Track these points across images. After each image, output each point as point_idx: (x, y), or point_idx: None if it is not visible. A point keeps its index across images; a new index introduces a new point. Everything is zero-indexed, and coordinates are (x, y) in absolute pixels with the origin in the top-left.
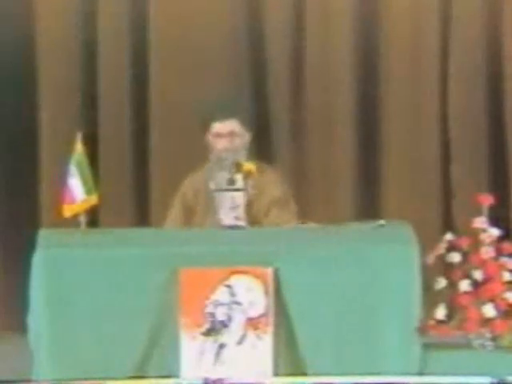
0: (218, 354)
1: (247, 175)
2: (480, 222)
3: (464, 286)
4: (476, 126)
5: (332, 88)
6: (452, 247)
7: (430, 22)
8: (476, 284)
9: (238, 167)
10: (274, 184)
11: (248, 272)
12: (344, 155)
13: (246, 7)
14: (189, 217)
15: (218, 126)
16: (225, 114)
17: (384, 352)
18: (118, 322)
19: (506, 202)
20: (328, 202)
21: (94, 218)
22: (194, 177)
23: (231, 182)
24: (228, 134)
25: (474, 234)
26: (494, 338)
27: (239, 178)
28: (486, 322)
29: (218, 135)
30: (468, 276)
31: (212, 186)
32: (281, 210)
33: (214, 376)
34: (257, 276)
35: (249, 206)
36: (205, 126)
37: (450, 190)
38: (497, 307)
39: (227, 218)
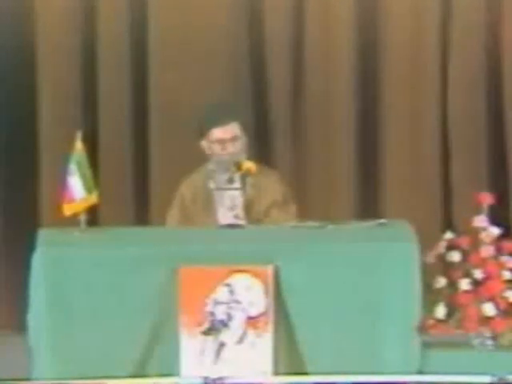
0: (217, 353)
1: (246, 173)
2: (480, 220)
3: (464, 284)
4: (476, 126)
5: (332, 89)
6: (452, 246)
7: (430, 20)
8: (476, 283)
9: (237, 166)
10: (274, 185)
11: (248, 271)
12: (344, 155)
13: (245, 8)
14: (188, 219)
15: (220, 132)
16: (226, 118)
17: (384, 350)
18: (118, 320)
19: (505, 201)
20: (328, 201)
21: (93, 216)
22: (192, 178)
23: (230, 180)
24: (231, 138)
25: (474, 233)
26: (493, 337)
27: (238, 176)
28: (486, 320)
29: (222, 141)
30: (468, 275)
31: (211, 185)
32: (281, 211)
33: (213, 375)
34: (257, 275)
35: (249, 206)
36: (202, 132)
37: (449, 190)
38: (497, 306)
39: (226, 216)
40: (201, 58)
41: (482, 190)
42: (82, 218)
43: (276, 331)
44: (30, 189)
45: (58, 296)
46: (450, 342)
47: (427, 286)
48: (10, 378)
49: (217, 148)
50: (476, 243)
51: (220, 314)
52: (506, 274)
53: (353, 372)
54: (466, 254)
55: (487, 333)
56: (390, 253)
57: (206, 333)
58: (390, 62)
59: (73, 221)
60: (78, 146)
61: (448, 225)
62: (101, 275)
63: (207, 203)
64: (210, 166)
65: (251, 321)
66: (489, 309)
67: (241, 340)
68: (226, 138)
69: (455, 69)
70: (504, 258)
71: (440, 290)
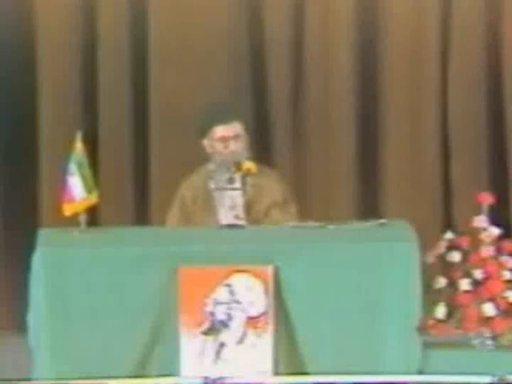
0: (218, 353)
1: (247, 173)
2: (480, 220)
3: (464, 284)
4: (476, 126)
5: (332, 88)
6: (452, 246)
7: (430, 20)
8: (476, 283)
9: (237, 166)
10: (274, 185)
11: (248, 271)
12: (344, 155)
13: (245, 8)
14: (188, 219)
15: (223, 130)
16: (229, 117)
17: (384, 351)
18: (118, 320)
19: (505, 201)
20: (328, 201)
21: (94, 216)
22: (192, 178)
23: (230, 181)
24: (234, 137)
25: (474, 233)
26: (493, 337)
27: (238, 177)
28: (486, 320)
29: (224, 139)
30: (468, 275)
31: (211, 185)
32: (281, 211)
33: (214, 375)
34: (257, 275)
35: (249, 206)
36: (204, 131)
37: (450, 190)
38: (497, 306)
39: (227, 217)
40: (201, 57)
41: (482, 190)
42: (82, 218)
43: (276, 331)
44: (30, 189)
45: (57, 296)
46: (450, 342)
47: (427, 286)
48: (10, 378)
49: (219, 146)
50: (476, 243)
51: (220, 314)
52: (506, 274)
53: (353, 372)
54: (465, 254)
55: (487, 333)
56: (389, 253)
57: (206, 333)
58: (390, 61)
59: (73, 221)
60: (78, 146)
61: (448, 225)
62: (101, 275)
63: (207, 203)
64: (210, 166)
65: (251, 321)
66: (489, 309)
67: (241, 340)
68: (229, 135)
69: (455, 69)
70: (504, 258)
71: (440, 290)
